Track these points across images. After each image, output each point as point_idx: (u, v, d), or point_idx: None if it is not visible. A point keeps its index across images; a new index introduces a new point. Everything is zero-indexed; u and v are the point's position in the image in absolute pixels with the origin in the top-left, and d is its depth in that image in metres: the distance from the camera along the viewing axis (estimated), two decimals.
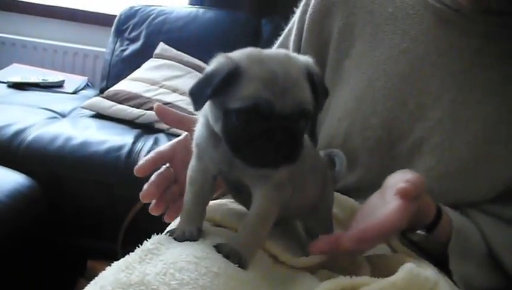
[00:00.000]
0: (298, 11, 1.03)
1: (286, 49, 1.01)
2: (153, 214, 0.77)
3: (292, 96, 0.59)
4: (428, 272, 0.74)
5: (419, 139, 0.87)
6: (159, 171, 0.77)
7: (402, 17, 0.90)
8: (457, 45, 0.86)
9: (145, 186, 0.75)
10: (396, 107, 0.88)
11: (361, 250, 0.72)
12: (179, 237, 0.68)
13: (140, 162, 0.76)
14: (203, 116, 0.67)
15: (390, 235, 0.73)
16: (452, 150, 0.85)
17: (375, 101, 0.89)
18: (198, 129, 0.68)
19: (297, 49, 1.00)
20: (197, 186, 0.70)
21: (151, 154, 0.77)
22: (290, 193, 0.68)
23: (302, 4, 1.02)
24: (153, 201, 0.77)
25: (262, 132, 0.58)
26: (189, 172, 0.71)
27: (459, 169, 0.85)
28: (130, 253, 0.65)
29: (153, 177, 0.76)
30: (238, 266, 0.62)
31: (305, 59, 0.63)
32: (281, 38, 1.07)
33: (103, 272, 0.62)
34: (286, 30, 1.06)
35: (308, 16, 0.97)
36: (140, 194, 0.74)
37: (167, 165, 0.78)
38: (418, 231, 0.82)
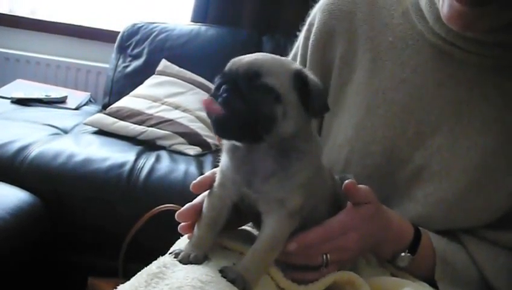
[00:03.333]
0: (301, 37, 1.03)
1: None
2: (181, 232, 0.77)
3: (249, 62, 0.64)
4: None
5: (419, 166, 0.88)
6: (206, 193, 0.76)
7: (401, 47, 0.91)
8: (454, 76, 0.87)
9: (186, 206, 0.75)
10: (395, 135, 0.89)
11: (313, 253, 0.74)
12: (184, 259, 0.69)
13: (198, 178, 0.76)
14: (225, 144, 0.71)
15: (341, 236, 0.75)
16: (450, 177, 0.86)
17: (375, 129, 0.90)
18: (223, 156, 0.72)
19: None
20: (215, 213, 0.72)
21: (209, 173, 0.77)
22: (297, 225, 0.70)
23: (304, 30, 1.02)
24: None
25: (216, 87, 0.64)
26: (208, 198, 0.73)
27: (457, 196, 0.85)
28: (136, 275, 0.66)
29: (197, 199, 0.77)
30: None
31: (299, 67, 0.68)
32: None
33: None
34: (291, 56, 1.07)
35: (310, 42, 0.98)
36: (177, 213, 0.75)
37: None
38: (403, 254, 0.84)
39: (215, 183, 0.72)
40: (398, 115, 0.89)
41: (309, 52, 0.98)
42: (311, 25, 1.00)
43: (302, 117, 0.66)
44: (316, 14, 0.99)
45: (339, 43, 0.95)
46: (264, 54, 0.68)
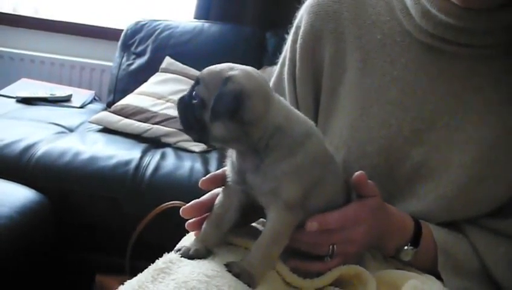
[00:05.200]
0: (289, 40, 1.02)
1: (282, 79, 1.01)
2: (188, 228, 0.77)
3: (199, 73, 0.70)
4: (433, 288, 0.76)
5: (417, 163, 0.87)
6: (214, 191, 0.78)
7: (390, 45, 0.90)
8: (446, 70, 0.86)
9: (192, 202, 0.77)
10: (391, 134, 0.88)
11: (323, 241, 0.74)
12: (185, 253, 0.71)
13: (208, 175, 0.77)
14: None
15: (352, 227, 0.75)
16: (449, 173, 0.85)
17: (370, 129, 0.89)
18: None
19: (293, 79, 0.99)
20: (222, 211, 0.73)
21: (219, 171, 0.78)
22: (300, 219, 0.70)
23: (291, 33, 1.01)
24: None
25: None
26: (219, 196, 0.75)
27: (457, 191, 0.85)
28: (143, 271, 0.67)
29: (204, 196, 0.78)
30: (247, 286, 0.64)
31: (234, 71, 0.68)
32: (278, 68, 1.05)
33: None
34: (281, 59, 1.05)
35: (298, 45, 0.97)
36: (182, 208, 0.76)
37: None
38: (406, 247, 0.84)
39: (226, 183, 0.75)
40: (392, 113, 0.88)
41: (298, 56, 0.97)
42: (298, 27, 0.98)
43: (229, 124, 0.66)
44: (302, 16, 0.98)
45: (327, 44, 0.94)
46: (227, 64, 0.69)
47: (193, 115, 0.68)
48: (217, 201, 0.74)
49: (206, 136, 0.68)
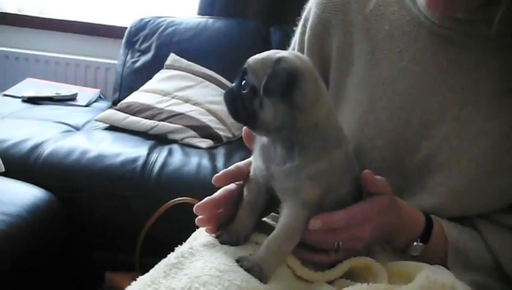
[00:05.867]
0: (297, 32, 1.02)
1: None
2: (199, 225, 0.77)
3: (246, 62, 0.70)
4: (445, 277, 0.75)
5: (426, 156, 0.86)
6: (227, 187, 0.78)
7: (398, 35, 0.89)
8: (455, 60, 0.85)
9: (205, 199, 0.76)
10: (400, 127, 0.87)
11: (329, 239, 0.74)
12: (224, 241, 0.73)
13: (221, 172, 0.78)
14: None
15: (359, 225, 0.75)
16: (459, 166, 0.84)
17: (378, 122, 0.88)
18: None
19: None
20: (253, 196, 0.75)
21: (232, 167, 0.78)
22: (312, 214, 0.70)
23: (299, 25, 1.01)
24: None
25: None
26: (246, 184, 0.76)
27: (468, 185, 0.84)
28: (155, 267, 0.67)
29: (217, 193, 0.78)
30: (259, 280, 0.64)
31: (284, 53, 0.69)
32: None
33: (129, 287, 0.64)
34: (289, 50, 1.04)
35: (306, 37, 0.97)
36: (196, 205, 0.75)
37: (240, 182, 0.79)
38: (415, 243, 0.83)
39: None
40: (400, 105, 0.87)
41: (306, 48, 0.97)
42: (306, 20, 0.98)
43: (280, 106, 0.66)
44: (310, 8, 0.98)
45: (335, 36, 0.94)
46: (272, 50, 0.70)
47: (243, 104, 0.68)
48: (245, 188, 0.76)
49: (254, 123, 0.69)
